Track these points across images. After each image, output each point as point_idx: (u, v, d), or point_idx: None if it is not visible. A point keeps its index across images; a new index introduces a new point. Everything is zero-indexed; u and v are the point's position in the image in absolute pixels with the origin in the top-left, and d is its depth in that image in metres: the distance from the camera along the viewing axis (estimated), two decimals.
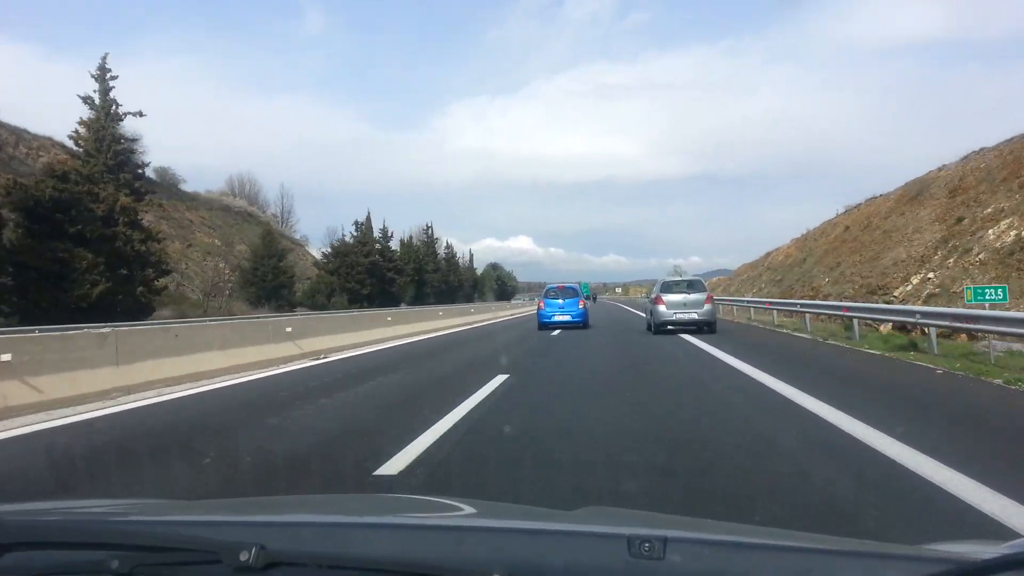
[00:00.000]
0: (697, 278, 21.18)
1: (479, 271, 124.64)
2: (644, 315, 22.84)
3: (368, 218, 65.67)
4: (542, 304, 21.83)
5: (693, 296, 17.93)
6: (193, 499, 3.57)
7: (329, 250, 59.02)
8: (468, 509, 1.87)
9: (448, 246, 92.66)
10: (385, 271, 65.79)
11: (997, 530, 3.27)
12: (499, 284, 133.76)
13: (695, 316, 17.61)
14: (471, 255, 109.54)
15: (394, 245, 74.30)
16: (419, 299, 74.67)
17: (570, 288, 22.61)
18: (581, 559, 1.24)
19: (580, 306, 21.76)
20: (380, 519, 1.63)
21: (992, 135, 43.84)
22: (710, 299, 18.21)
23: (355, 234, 61.78)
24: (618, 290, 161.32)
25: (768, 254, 60.28)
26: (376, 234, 67.63)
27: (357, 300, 56.49)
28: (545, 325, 21.12)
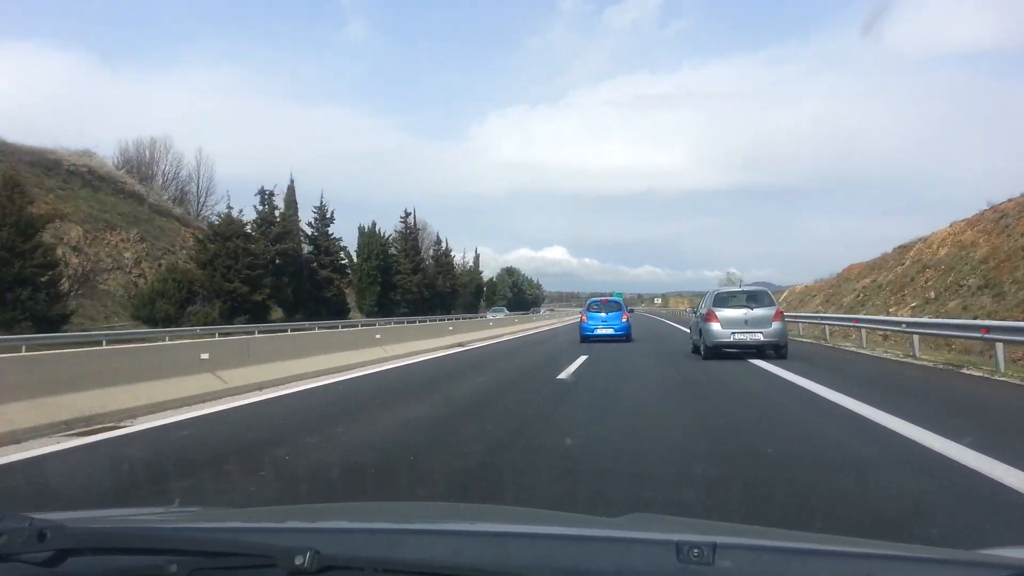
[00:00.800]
0: (760, 288, 16.52)
1: (489, 275, 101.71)
2: (690, 332, 17.54)
3: (291, 188, 44.35)
4: (585, 317, 21.49)
5: (757, 312, 14.25)
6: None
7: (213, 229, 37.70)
8: (517, 516, 2.02)
9: (440, 240, 71.08)
10: (317, 268, 44.20)
11: None
12: (516, 292, 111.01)
13: (760, 337, 13.96)
14: (476, 256, 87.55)
15: (347, 234, 53.09)
16: (385, 309, 53.05)
17: (614, 301, 22.46)
18: (630, 565, 1.25)
19: (624, 319, 21.16)
20: (430, 525, 1.67)
21: None
22: (779, 315, 14.38)
23: (259, 208, 40.37)
24: (657, 301, 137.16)
25: (904, 248, 37.50)
26: (309, 213, 46.26)
27: (243, 311, 34.82)
28: (587, 338, 20.41)
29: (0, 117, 67.84)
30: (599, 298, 23.29)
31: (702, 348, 14.57)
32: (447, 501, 3.88)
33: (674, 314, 71.50)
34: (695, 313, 17.19)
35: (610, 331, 20.74)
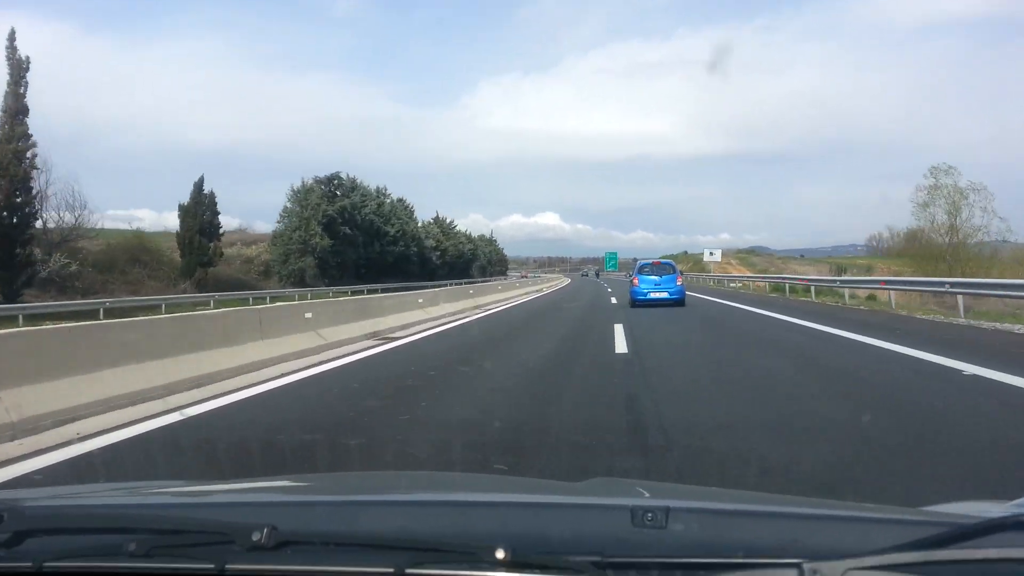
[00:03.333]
0: None
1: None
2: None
3: None
4: (636, 281, 21.69)
5: None
6: None
7: None
8: (479, 484, 2.15)
9: None
10: None
11: None
12: (366, 243, 58.87)
13: None
14: None
15: None
16: None
17: (667, 263, 22.87)
18: (585, 530, 1.32)
19: (678, 283, 21.45)
20: (387, 496, 1.72)
21: None
22: None
23: None
24: (710, 256, 71.76)
25: None
26: None
27: None
28: (639, 302, 20.97)
29: None
30: (649, 261, 22.96)
31: None
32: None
33: (720, 291, 36.28)
34: None
35: (664, 295, 20.79)
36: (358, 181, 60.03)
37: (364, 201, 59.86)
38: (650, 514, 1.18)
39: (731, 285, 42.86)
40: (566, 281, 68.45)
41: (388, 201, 64.95)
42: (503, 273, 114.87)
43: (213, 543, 1.23)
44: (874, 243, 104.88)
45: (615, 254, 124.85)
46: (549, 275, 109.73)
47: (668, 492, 1.82)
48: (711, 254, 61.68)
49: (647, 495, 1.52)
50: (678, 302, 20.81)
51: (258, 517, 1.27)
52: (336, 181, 57.28)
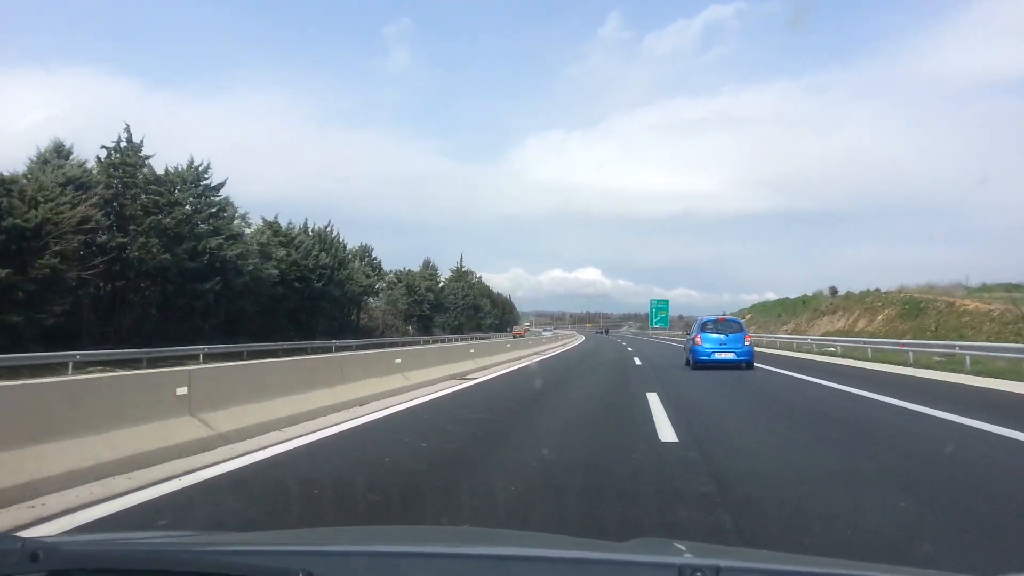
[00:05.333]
0: None
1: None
2: None
3: None
4: (699, 340, 19.73)
5: None
6: None
7: None
8: (519, 540, 2.02)
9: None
10: None
11: None
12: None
13: None
14: None
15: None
16: None
17: (733, 321, 21.13)
18: None
19: (746, 342, 19.57)
20: (424, 548, 1.68)
21: None
22: None
23: None
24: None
25: None
26: None
27: None
28: (702, 363, 19.22)
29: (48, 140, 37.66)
30: (713, 317, 21.15)
31: None
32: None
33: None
34: None
35: (731, 355, 19.11)
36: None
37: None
38: (699, 573, 1.12)
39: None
40: (579, 339, 56.09)
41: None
42: (500, 328, 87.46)
43: None
44: None
45: (666, 302, 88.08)
46: (563, 331, 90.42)
47: (717, 552, 1.75)
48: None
49: (695, 554, 1.43)
50: (746, 364, 19.07)
51: (294, 564, 1.25)
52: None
